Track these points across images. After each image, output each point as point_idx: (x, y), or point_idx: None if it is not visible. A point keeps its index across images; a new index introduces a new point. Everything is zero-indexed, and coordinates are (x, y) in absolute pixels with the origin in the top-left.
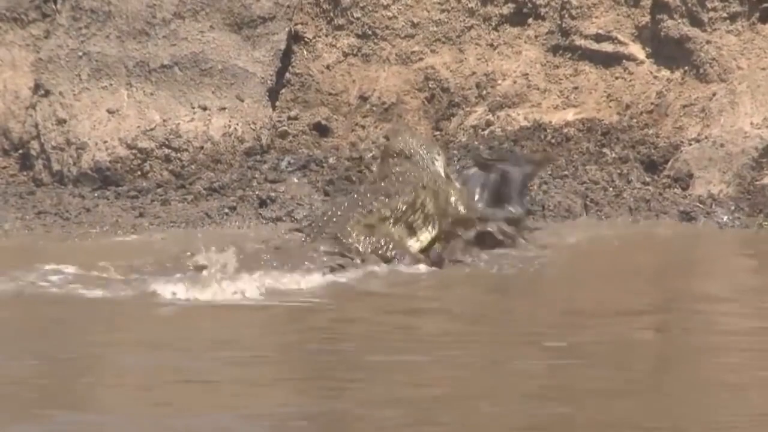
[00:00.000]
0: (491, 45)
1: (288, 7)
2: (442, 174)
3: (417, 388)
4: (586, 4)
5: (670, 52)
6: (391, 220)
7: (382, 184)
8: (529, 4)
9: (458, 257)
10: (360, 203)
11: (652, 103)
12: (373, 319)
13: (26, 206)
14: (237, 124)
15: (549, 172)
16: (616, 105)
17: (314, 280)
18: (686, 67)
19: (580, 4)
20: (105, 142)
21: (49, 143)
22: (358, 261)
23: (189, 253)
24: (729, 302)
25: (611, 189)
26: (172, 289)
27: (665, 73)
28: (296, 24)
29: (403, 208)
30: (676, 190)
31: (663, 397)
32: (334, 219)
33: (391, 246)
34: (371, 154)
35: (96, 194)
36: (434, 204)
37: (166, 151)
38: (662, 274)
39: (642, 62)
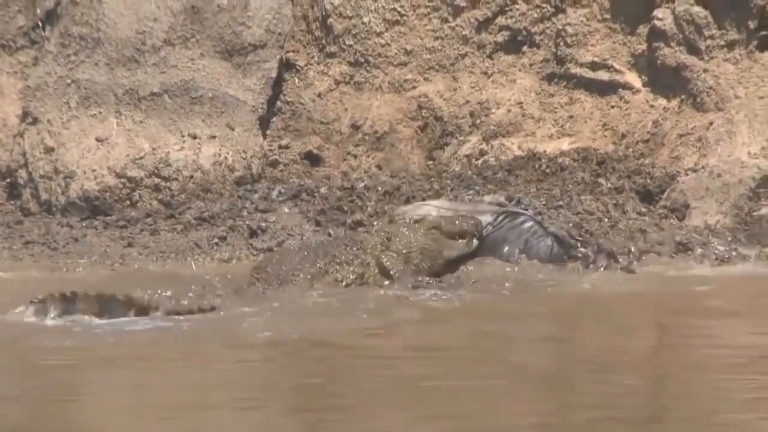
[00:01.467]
0: (485, 73)
1: (279, 34)
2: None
3: None
4: (582, 32)
5: (667, 81)
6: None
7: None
8: (524, 32)
9: None
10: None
11: (648, 132)
12: None
13: (13, 236)
14: (227, 153)
15: (543, 203)
16: (611, 134)
17: None
18: (683, 96)
19: (576, 32)
20: (93, 170)
21: (36, 172)
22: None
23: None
24: None
25: (607, 219)
26: None
27: (662, 101)
28: (288, 52)
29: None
30: (672, 220)
31: None
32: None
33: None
34: (363, 184)
35: (84, 224)
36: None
37: (156, 180)
38: None
39: (638, 91)
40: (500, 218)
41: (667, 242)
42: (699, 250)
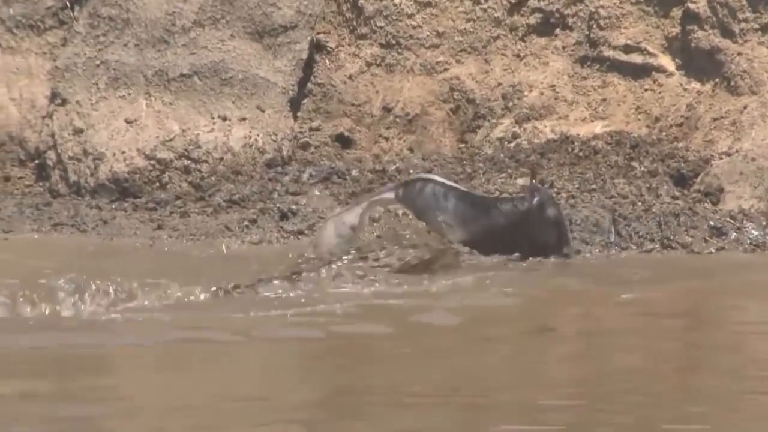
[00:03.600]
0: (518, 56)
1: (310, 15)
2: None
3: None
4: (615, 14)
5: (701, 64)
6: None
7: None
8: (557, 14)
9: None
10: None
11: (682, 116)
12: None
13: (42, 218)
14: (258, 135)
15: (577, 186)
16: (645, 118)
17: None
18: (717, 80)
19: (609, 14)
20: (123, 152)
21: (65, 153)
22: None
23: None
24: None
25: (640, 203)
26: None
27: (695, 85)
28: (318, 33)
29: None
30: (706, 204)
31: None
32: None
33: None
34: (395, 167)
35: (113, 206)
36: None
37: (186, 162)
38: None
39: (672, 74)
40: (401, 192)
41: (701, 226)
42: (733, 235)
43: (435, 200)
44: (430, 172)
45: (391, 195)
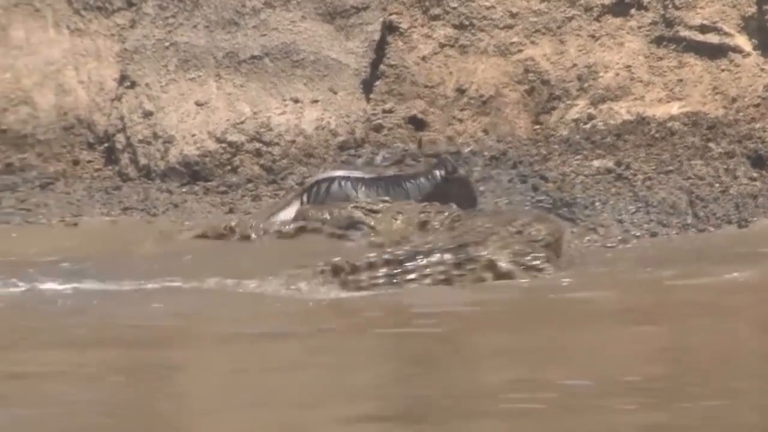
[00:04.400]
0: (593, 36)
1: None
2: None
3: None
4: None
5: None
6: None
7: None
8: None
9: None
10: None
11: (759, 97)
12: None
13: (112, 202)
14: (330, 117)
15: (653, 168)
16: (722, 98)
17: None
18: None
19: None
20: (193, 135)
21: (135, 137)
22: None
23: None
24: None
25: (717, 185)
26: None
27: None
28: (391, 14)
29: None
30: None
31: None
32: None
33: None
34: (469, 149)
35: (184, 189)
36: None
37: (257, 144)
38: None
39: (748, 54)
40: (305, 198)
41: None
42: None
43: (346, 195)
44: (438, 156)
45: (296, 205)
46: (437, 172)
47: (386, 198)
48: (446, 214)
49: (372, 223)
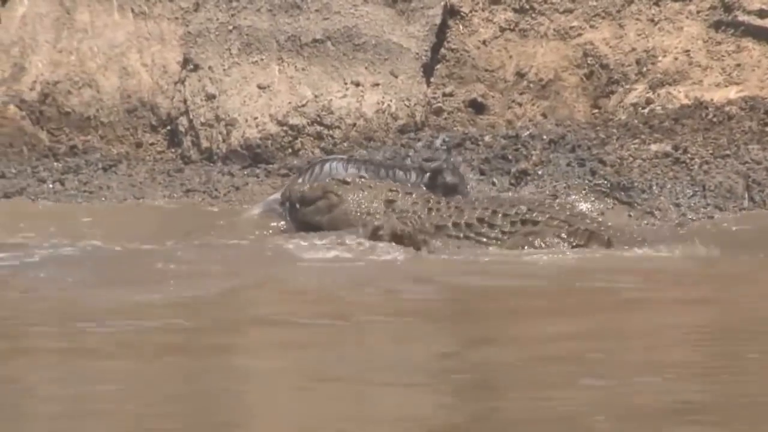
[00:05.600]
0: (652, 20)
1: None
2: None
3: None
4: None
5: None
6: None
7: None
8: None
9: None
10: None
11: None
12: None
13: (174, 184)
14: (390, 101)
15: (710, 152)
16: None
17: None
18: None
19: None
20: (255, 118)
21: (198, 119)
22: None
23: None
24: None
25: None
26: None
27: None
28: None
29: None
30: None
31: None
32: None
33: None
34: (528, 132)
35: (245, 172)
36: None
37: (318, 128)
38: None
39: None
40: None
41: None
42: None
43: (336, 174)
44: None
45: (300, 181)
46: (428, 166)
47: (364, 175)
48: (414, 195)
49: (339, 192)
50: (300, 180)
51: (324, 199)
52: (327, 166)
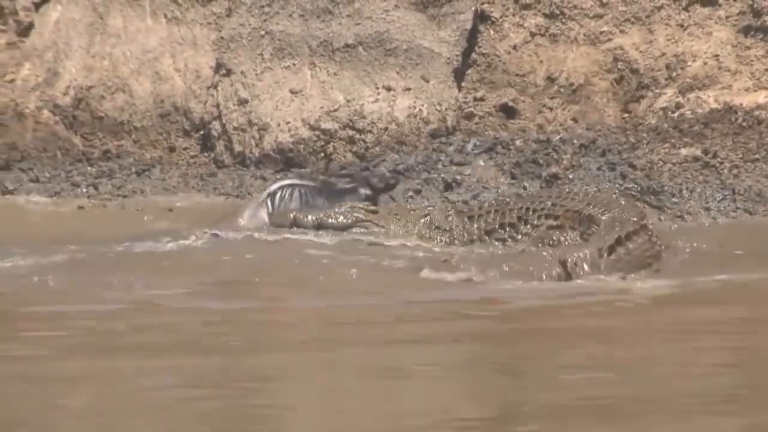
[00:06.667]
0: (681, 25)
1: None
2: None
3: None
4: None
5: None
6: None
7: None
8: None
9: None
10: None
11: None
12: None
13: (207, 188)
14: (422, 105)
15: (740, 156)
16: None
17: None
18: None
19: None
20: (287, 123)
21: (230, 124)
22: None
23: None
24: None
25: None
26: None
27: None
28: (482, 3)
29: None
30: None
31: None
32: None
33: None
34: (559, 137)
35: (278, 176)
36: None
37: (350, 132)
38: None
39: None
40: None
41: None
42: None
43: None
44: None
45: (261, 209)
46: (373, 182)
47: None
48: (437, 212)
49: (380, 223)
50: (269, 205)
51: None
52: (288, 190)
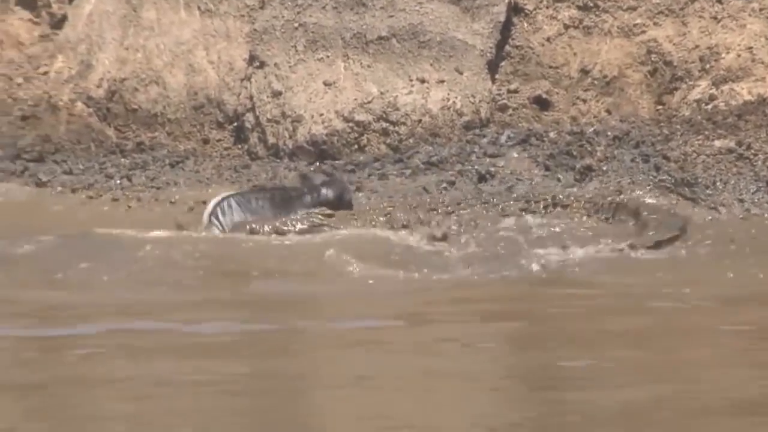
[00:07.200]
0: (715, 18)
1: None
2: None
3: None
4: None
5: None
6: None
7: None
8: None
9: None
10: None
11: None
12: None
13: (241, 180)
14: (456, 98)
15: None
16: None
17: None
18: None
19: None
20: (321, 115)
21: (264, 116)
22: None
23: None
24: None
25: None
26: None
27: None
28: None
29: None
30: None
31: None
32: None
33: None
34: (592, 129)
35: (312, 168)
36: None
37: (384, 124)
38: None
39: None
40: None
41: None
42: None
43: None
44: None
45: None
46: (323, 191)
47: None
48: None
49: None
50: (219, 215)
51: None
52: (225, 203)
